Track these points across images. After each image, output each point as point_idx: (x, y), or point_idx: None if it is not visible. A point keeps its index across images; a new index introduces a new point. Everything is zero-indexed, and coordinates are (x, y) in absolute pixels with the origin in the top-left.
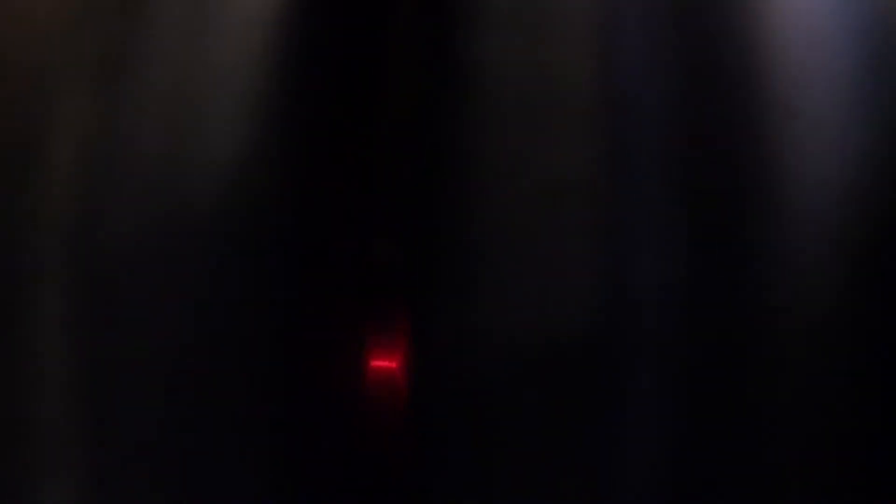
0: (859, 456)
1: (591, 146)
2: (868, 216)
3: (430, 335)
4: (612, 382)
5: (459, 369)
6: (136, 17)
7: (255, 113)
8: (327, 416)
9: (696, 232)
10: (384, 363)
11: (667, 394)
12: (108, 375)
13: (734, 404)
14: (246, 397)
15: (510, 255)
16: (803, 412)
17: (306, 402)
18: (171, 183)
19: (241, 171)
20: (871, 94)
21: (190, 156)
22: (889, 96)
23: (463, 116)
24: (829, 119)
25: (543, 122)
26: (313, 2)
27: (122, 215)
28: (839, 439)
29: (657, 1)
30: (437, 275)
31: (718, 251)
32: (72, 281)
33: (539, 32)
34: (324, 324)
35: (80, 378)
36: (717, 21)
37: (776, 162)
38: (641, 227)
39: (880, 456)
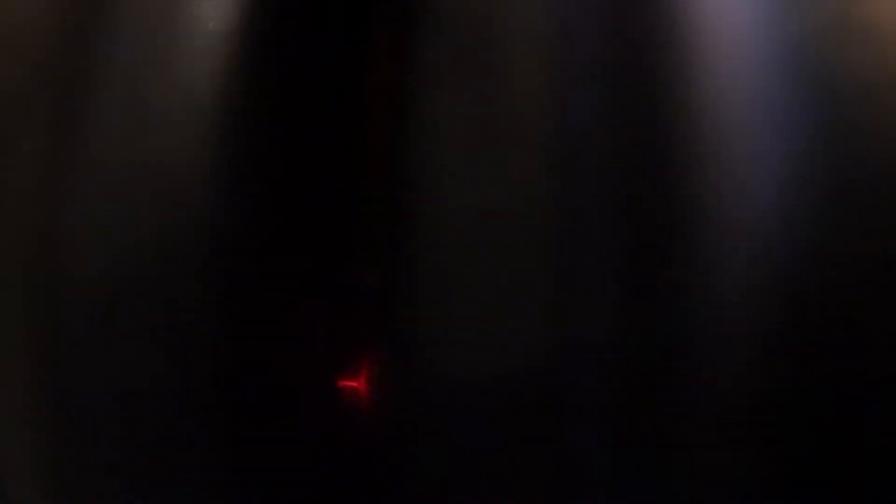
0: (800, 487)
1: (540, 180)
2: (810, 246)
3: (390, 360)
4: (558, 408)
5: (419, 390)
6: (98, 39)
7: (220, 133)
8: (295, 432)
9: (639, 267)
10: (350, 382)
11: (608, 417)
12: (72, 403)
13: (673, 436)
14: (212, 414)
15: (463, 290)
16: (737, 444)
17: (274, 420)
18: (135, 204)
19: (205, 190)
20: (808, 113)
21: (155, 176)
22: (821, 110)
23: (417, 147)
24: (772, 147)
25: (494, 156)
26: (277, 22)
27: (86, 239)
28: (775, 470)
29: (606, 35)
30: (397, 304)
31: (658, 285)
32: (33, 307)
33: (490, 68)
34: (290, 343)
35: (44, 406)
36: (664, 52)
37: (721, 196)
38: (587, 266)
39: (814, 488)
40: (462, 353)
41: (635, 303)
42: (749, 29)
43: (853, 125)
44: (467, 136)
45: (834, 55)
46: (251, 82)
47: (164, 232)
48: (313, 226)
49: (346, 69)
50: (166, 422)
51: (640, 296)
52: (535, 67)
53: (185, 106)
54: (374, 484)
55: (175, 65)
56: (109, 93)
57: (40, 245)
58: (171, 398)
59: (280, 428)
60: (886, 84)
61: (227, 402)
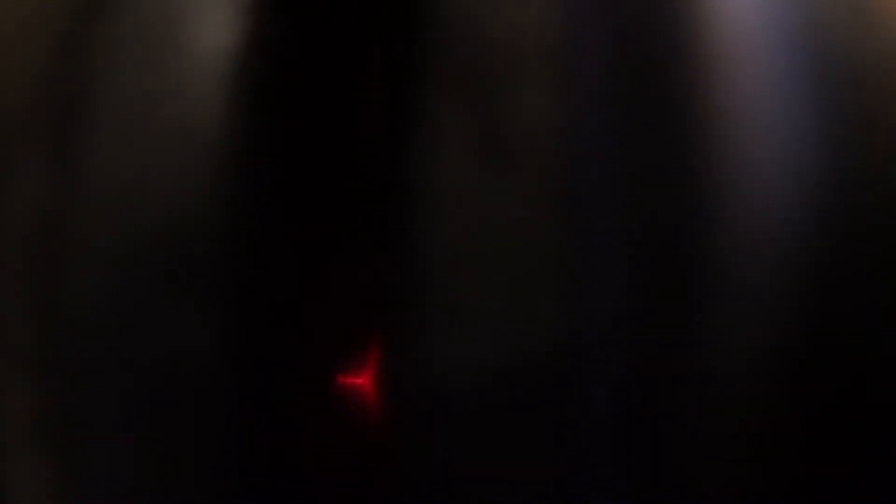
0: (802, 473)
1: (548, 190)
2: (825, 242)
3: (397, 358)
4: (566, 403)
5: (425, 389)
6: (92, 65)
7: (222, 153)
8: (298, 432)
9: (644, 263)
10: (354, 379)
11: (617, 411)
12: (78, 420)
13: (681, 430)
14: (216, 414)
15: (470, 285)
16: (743, 434)
17: (277, 419)
18: (134, 221)
19: (203, 209)
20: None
21: (152, 199)
22: (836, 116)
23: (425, 155)
24: (786, 147)
25: (502, 167)
26: (279, 43)
27: (86, 261)
28: (783, 462)
29: (615, 50)
30: (404, 301)
31: (662, 282)
32: (34, 334)
33: (497, 82)
34: (295, 341)
35: (51, 424)
36: (675, 66)
37: (723, 204)
38: (592, 261)
39: (817, 473)
40: (468, 352)
41: (644, 303)
42: (762, 43)
43: (867, 119)
44: (474, 150)
45: (846, 47)
46: (253, 103)
47: (167, 247)
48: (319, 235)
49: (350, 86)
50: (170, 430)
51: (649, 294)
52: (543, 83)
53: (186, 127)
54: (382, 483)
55: (174, 87)
56: (107, 117)
57: (43, 271)
58: (175, 411)
59: (286, 428)
60: None
61: (233, 411)
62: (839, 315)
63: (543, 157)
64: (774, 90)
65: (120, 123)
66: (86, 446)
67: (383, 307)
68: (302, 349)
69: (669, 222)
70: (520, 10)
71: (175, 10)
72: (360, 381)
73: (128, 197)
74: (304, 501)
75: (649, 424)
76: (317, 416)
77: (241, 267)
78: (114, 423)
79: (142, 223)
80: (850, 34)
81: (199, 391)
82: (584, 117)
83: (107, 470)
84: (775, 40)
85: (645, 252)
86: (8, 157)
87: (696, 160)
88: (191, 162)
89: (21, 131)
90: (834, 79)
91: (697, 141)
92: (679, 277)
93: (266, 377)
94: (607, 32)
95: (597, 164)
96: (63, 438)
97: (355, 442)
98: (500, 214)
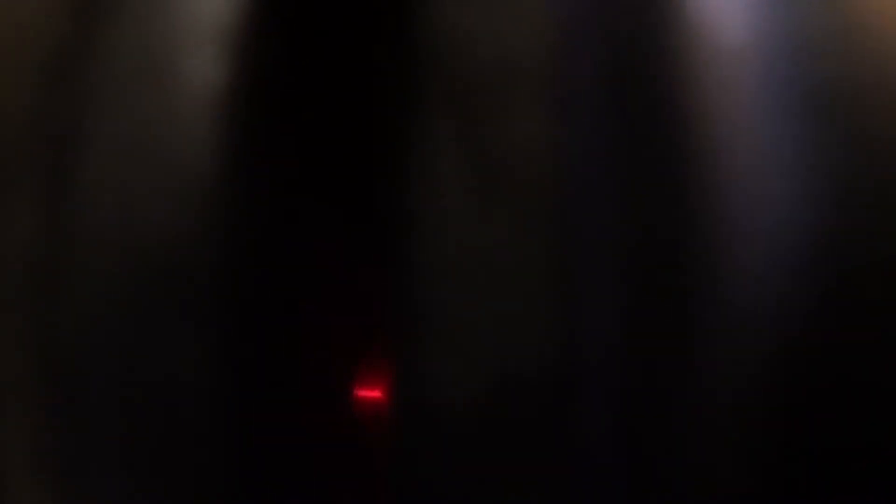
0: (801, 481)
1: (543, 207)
2: (816, 252)
3: (397, 373)
4: (565, 414)
5: (426, 403)
6: (83, 93)
7: (211, 179)
8: (301, 446)
9: (640, 279)
10: (369, 393)
11: (613, 422)
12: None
13: (680, 443)
14: (217, 434)
15: (468, 302)
16: (742, 444)
17: (279, 436)
18: (131, 248)
19: (200, 237)
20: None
21: (148, 226)
22: (826, 130)
23: (421, 175)
24: (769, 175)
25: (498, 185)
26: (271, 76)
27: (83, 287)
28: (782, 471)
29: (608, 71)
30: (403, 318)
31: (659, 297)
32: (31, 359)
33: (491, 101)
34: (310, 355)
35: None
36: (667, 91)
37: (718, 219)
38: (589, 277)
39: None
40: (468, 367)
41: (641, 318)
42: (755, 57)
43: (861, 123)
44: (469, 169)
45: (838, 56)
46: (246, 128)
47: (163, 274)
48: (315, 257)
49: (343, 108)
50: (175, 431)
51: (646, 309)
52: (536, 102)
53: (180, 153)
54: (383, 495)
55: (168, 113)
56: (101, 145)
57: (40, 298)
58: (180, 414)
59: (289, 444)
60: (886, 89)
61: (235, 430)
62: (838, 322)
63: (538, 174)
64: (768, 103)
65: (114, 151)
66: (85, 472)
67: (383, 324)
68: (301, 368)
69: (665, 238)
70: (513, 29)
71: (168, 38)
72: (362, 395)
73: (124, 224)
74: None
75: (648, 437)
76: (319, 430)
77: (240, 292)
78: (114, 447)
79: (138, 250)
80: (842, 43)
81: (199, 413)
82: (577, 135)
83: (107, 495)
84: (768, 53)
85: (641, 268)
86: (4, 183)
87: (690, 176)
88: (186, 189)
89: (13, 163)
90: (826, 87)
91: (692, 157)
92: (675, 292)
93: (267, 398)
94: (600, 51)
95: (591, 181)
96: (62, 466)
97: (357, 455)
98: (497, 232)
